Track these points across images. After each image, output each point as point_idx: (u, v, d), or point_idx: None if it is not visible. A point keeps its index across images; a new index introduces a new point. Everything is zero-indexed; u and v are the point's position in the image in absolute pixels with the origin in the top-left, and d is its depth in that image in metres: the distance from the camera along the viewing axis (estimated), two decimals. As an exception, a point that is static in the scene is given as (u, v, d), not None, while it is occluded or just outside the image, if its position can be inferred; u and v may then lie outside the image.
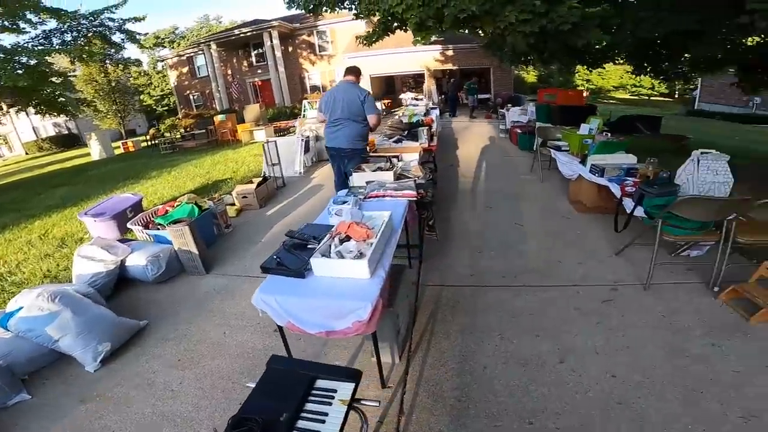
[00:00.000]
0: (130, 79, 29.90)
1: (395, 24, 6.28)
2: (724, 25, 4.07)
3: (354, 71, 3.64)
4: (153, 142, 15.09)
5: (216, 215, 4.54)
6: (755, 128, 14.09)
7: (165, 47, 35.92)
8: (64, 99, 11.62)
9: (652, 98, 30.00)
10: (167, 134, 16.10)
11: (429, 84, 16.99)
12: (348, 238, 1.95)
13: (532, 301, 2.76)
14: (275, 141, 6.11)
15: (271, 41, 18.28)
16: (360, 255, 1.82)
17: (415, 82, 20.83)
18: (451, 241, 3.74)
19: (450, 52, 16.78)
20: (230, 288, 3.30)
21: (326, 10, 6.61)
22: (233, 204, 5.40)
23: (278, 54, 18.57)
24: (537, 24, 4.08)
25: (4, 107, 11.60)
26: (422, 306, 2.79)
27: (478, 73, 17.56)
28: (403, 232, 2.54)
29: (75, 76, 16.93)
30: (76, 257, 3.43)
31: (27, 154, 27.21)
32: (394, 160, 3.32)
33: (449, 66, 17.39)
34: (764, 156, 7.49)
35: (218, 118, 14.91)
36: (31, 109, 11.89)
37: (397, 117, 6.14)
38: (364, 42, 7.12)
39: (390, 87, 21.73)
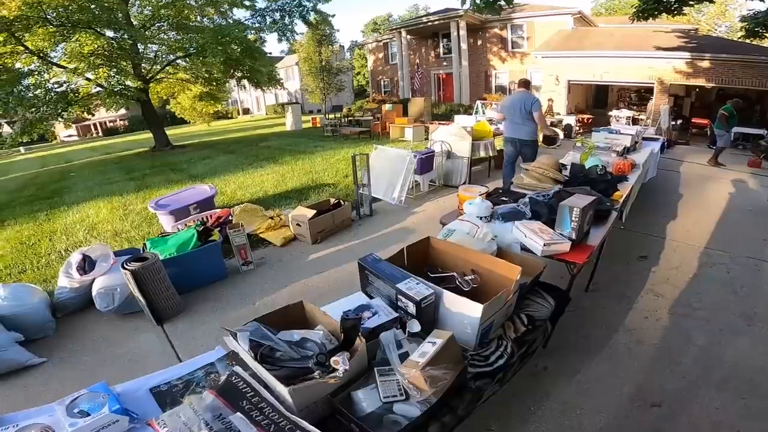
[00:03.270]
0: (345, 59, 33.58)
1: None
2: None
3: (526, 84, 4.67)
4: (334, 120, 15.57)
5: (234, 247, 3.33)
6: None
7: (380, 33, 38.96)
8: (259, 75, 12.98)
9: None
10: (356, 114, 16.83)
11: (658, 102, 12.10)
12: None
13: None
14: (367, 154, 4.50)
15: (458, 32, 16.58)
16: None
17: (638, 97, 15.54)
18: None
19: (705, 63, 11.39)
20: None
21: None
22: (287, 226, 4.14)
23: (464, 46, 16.75)
24: None
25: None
26: None
27: (748, 97, 11.50)
28: None
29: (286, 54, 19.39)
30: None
31: (266, 114, 34.40)
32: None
33: (699, 81, 11.90)
34: None
35: (386, 107, 14.47)
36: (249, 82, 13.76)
37: (550, 157, 3.42)
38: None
39: (600, 100, 16.99)
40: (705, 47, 11.73)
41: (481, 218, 2.05)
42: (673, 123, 11.70)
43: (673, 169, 7.37)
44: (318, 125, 17.32)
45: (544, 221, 2.17)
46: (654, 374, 2.06)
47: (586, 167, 3.31)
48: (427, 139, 9.10)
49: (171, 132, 15.61)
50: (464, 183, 5.69)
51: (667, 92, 12.43)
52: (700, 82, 11.91)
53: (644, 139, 5.89)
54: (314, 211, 3.93)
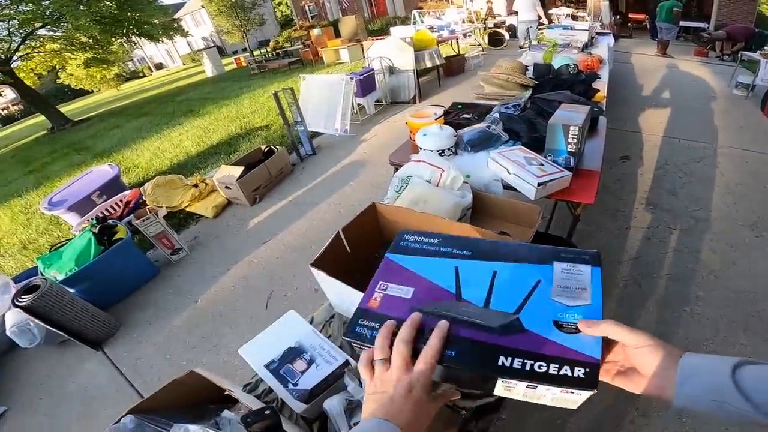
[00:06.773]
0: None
1: None
2: None
3: None
4: (260, 57, 13.67)
5: (151, 239, 2.54)
6: None
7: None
8: (148, 27, 11.37)
9: None
10: (285, 45, 15.11)
11: (599, -4, 11.45)
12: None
13: None
14: (291, 88, 3.60)
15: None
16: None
17: (576, -7, 14.79)
18: None
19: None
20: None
21: None
22: (217, 190, 3.32)
23: (396, -49, 14.77)
24: None
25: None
26: None
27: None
28: None
29: None
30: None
31: (183, 64, 30.55)
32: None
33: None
34: None
35: (314, 32, 12.79)
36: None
37: (510, 59, 2.68)
38: None
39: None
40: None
41: (442, 153, 1.42)
42: (613, 18, 11.27)
43: (625, 62, 7.04)
44: (243, 65, 15.32)
45: (525, 143, 1.58)
46: (674, 320, 1.72)
47: (556, 67, 2.71)
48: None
49: (73, 106, 13.07)
50: (413, 97, 5.10)
51: (609, -16, 11.72)
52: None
53: (597, 34, 5.40)
54: (242, 168, 3.15)
